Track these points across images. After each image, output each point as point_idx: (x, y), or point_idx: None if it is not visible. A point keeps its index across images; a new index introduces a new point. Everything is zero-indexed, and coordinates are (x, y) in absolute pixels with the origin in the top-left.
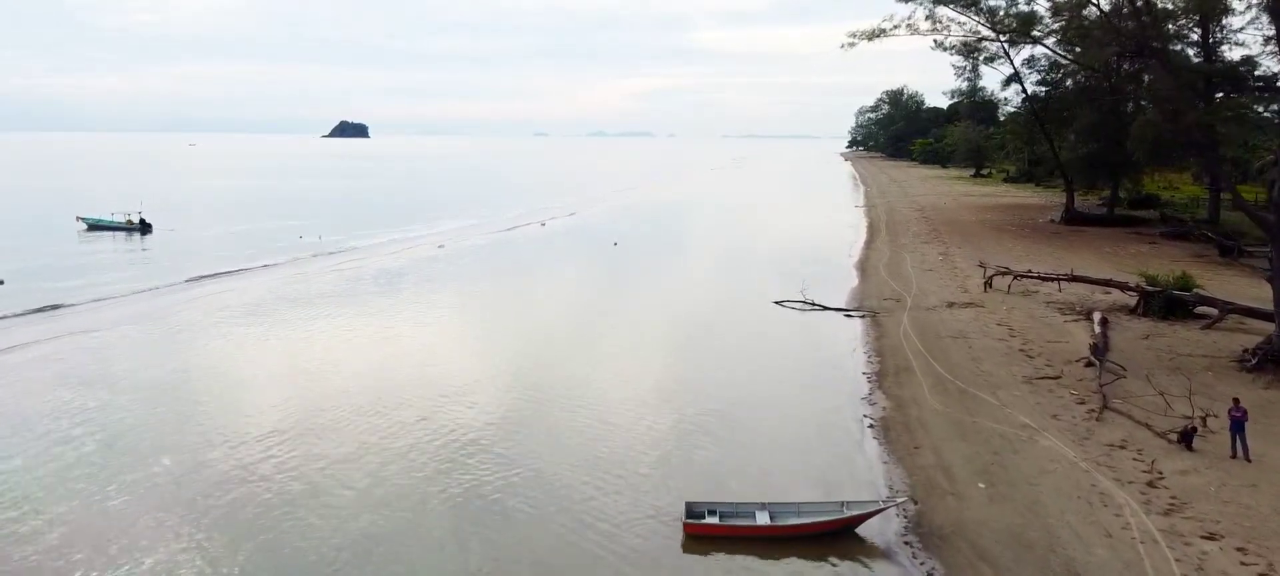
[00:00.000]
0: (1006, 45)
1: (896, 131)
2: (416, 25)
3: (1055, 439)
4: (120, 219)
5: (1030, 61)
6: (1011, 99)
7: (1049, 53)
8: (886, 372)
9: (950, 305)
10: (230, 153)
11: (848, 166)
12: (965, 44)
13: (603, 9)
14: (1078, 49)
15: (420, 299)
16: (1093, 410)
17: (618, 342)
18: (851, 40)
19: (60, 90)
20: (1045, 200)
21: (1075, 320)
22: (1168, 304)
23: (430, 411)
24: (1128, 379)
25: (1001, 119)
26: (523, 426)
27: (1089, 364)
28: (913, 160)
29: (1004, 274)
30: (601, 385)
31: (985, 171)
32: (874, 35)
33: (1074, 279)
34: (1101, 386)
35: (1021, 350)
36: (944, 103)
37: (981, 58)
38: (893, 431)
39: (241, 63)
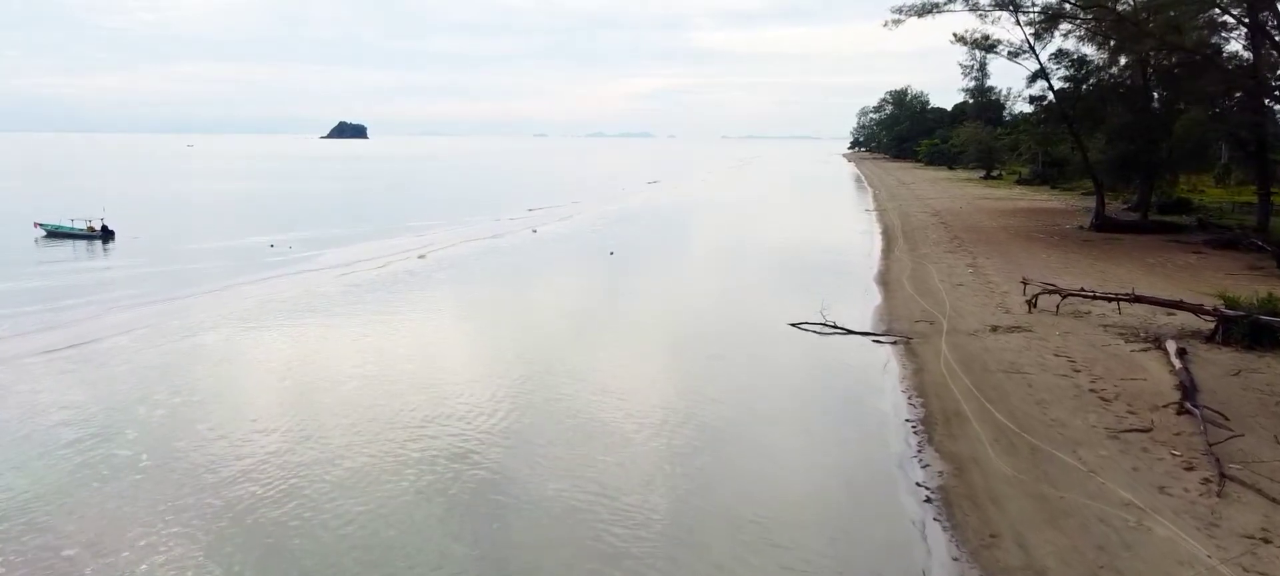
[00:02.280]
0: (1032, 39)
1: (901, 132)
2: (416, 25)
3: (1173, 526)
4: (81, 225)
5: (1058, 56)
6: (1026, 96)
7: (1077, 46)
8: (935, 420)
9: (994, 329)
10: (226, 153)
11: (851, 167)
12: (985, 38)
13: (602, 9)
14: (1113, 41)
15: (381, 324)
16: (1208, 480)
17: (610, 379)
18: (897, 16)
19: (61, 90)
20: (1066, 204)
21: (1144, 349)
22: (1253, 330)
23: (360, 486)
24: (1238, 433)
25: (1007, 117)
26: (488, 510)
27: (1182, 410)
28: (918, 161)
29: (1052, 292)
30: (587, 443)
31: (996, 173)
32: (925, 11)
33: (1136, 299)
34: (1211, 446)
35: (1092, 390)
36: (953, 100)
37: (1005, 52)
38: (958, 509)
39: (242, 63)
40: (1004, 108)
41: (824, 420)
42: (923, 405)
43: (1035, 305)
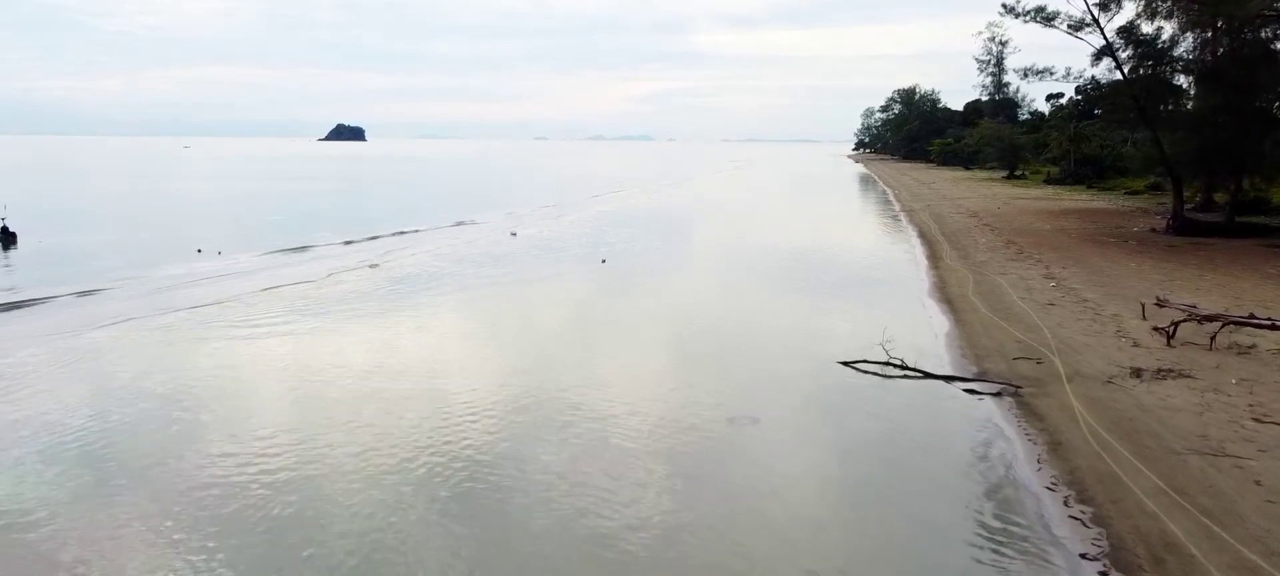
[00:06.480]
0: (1097, 9)
1: (910, 131)
2: (415, 28)
3: None
4: None
5: (1125, 31)
6: (1089, 77)
7: (1144, 15)
8: (1134, 559)
9: (1136, 373)
10: (220, 155)
11: (860, 168)
12: (1041, 9)
13: (602, 12)
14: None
15: (295, 354)
16: None
17: (594, 461)
18: None
19: (62, 93)
20: (1114, 205)
21: None
22: None
23: None
24: None
25: (1027, 116)
26: None
27: None
28: (929, 161)
29: (1205, 319)
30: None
31: (1019, 173)
32: None
33: None
34: None
35: None
36: (957, 102)
37: (1064, 26)
38: None
39: (241, 66)
40: (1019, 106)
41: (938, 561)
42: (1095, 520)
43: (1173, 336)
